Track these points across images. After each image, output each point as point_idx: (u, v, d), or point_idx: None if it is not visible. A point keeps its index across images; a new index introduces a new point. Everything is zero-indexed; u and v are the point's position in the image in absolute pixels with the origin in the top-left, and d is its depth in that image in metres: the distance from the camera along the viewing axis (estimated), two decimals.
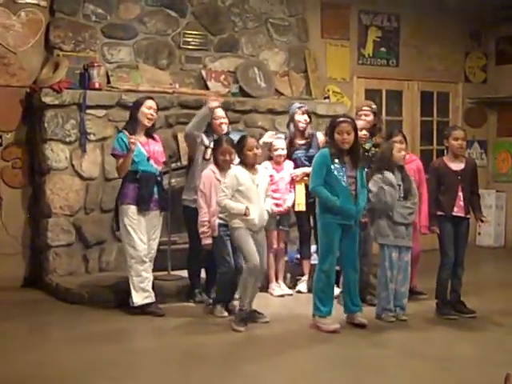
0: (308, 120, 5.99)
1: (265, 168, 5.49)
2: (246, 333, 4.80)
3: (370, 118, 5.77)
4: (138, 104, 5.23)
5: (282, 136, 5.95)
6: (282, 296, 5.82)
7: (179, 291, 5.69)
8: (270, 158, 5.87)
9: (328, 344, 4.60)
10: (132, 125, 5.21)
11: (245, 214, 4.84)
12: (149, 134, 5.27)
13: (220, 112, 5.56)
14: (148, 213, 5.20)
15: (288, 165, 5.91)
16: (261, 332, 4.86)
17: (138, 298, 5.11)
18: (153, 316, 5.10)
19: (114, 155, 5.23)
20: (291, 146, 5.97)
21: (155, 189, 5.20)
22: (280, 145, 5.86)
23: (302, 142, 5.98)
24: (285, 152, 5.87)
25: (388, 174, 5.06)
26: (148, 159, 5.18)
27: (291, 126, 6.00)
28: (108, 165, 5.98)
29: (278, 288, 5.89)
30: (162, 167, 5.42)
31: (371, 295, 5.43)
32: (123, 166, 5.12)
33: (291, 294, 5.88)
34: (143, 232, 5.15)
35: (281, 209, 5.81)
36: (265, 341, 4.71)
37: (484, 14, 8.46)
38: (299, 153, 5.96)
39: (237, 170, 4.96)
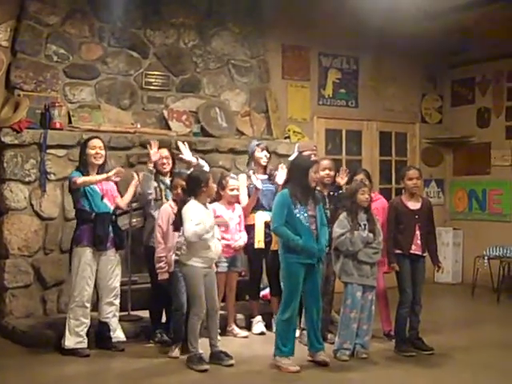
0: (268, 155, 6.05)
1: (213, 209, 5.34)
2: (206, 374, 4.74)
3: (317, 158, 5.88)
4: (83, 145, 5.36)
5: (235, 176, 5.93)
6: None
7: (139, 332, 5.64)
8: (219, 199, 5.75)
9: None
10: (83, 165, 5.28)
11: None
12: (102, 172, 5.33)
13: (165, 152, 5.71)
14: (105, 253, 5.24)
15: (238, 206, 5.86)
16: (222, 372, 4.81)
17: (70, 342, 5.11)
18: (77, 356, 5.06)
19: (73, 182, 5.21)
20: (250, 183, 5.96)
21: (110, 228, 5.24)
22: (235, 185, 5.83)
23: (264, 176, 5.99)
24: (238, 193, 5.83)
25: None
26: (102, 198, 5.23)
27: (252, 163, 6.04)
28: (68, 205, 5.92)
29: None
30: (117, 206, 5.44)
31: (332, 334, 5.45)
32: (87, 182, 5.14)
33: (246, 336, 5.78)
34: (92, 277, 5.18)
35: (232, 248, 5.73)
36: (227, 381, 4.67)
37: (439, 58, 8.75)
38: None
39: (195, 205, 4.89)
